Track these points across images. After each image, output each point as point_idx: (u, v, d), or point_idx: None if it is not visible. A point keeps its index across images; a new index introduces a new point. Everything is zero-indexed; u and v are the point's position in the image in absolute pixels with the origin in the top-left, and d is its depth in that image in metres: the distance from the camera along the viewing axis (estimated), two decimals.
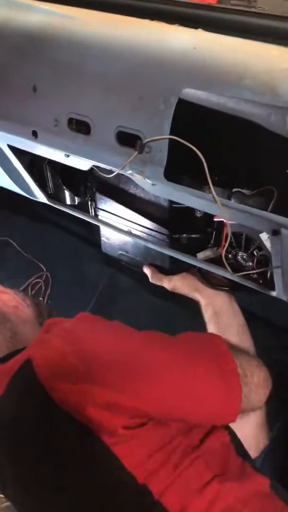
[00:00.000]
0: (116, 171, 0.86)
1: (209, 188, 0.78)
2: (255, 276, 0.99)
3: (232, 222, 0.88)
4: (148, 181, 0.83)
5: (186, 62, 0.75)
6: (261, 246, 0.96)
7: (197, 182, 0.84)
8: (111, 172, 0.89)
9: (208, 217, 1.04)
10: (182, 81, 0.74)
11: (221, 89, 0.70)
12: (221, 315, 1.06)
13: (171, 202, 1.05)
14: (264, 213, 0.78)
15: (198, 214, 1.05)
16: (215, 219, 1.03)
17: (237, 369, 0.83)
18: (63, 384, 0.73)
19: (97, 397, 0.70)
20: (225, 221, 0.98)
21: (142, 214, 1.14)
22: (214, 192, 0.76)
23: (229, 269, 0.95)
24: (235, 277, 0.98)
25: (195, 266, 1.10)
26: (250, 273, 0.98)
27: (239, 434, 0.88)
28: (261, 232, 0.91)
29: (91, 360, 0.74)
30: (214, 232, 1.08)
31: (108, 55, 0.84)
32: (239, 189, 0.89)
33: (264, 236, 0.93)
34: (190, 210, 1.03)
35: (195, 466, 0.73)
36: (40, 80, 0.93)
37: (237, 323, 1.06)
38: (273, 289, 0.93)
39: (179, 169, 0.83)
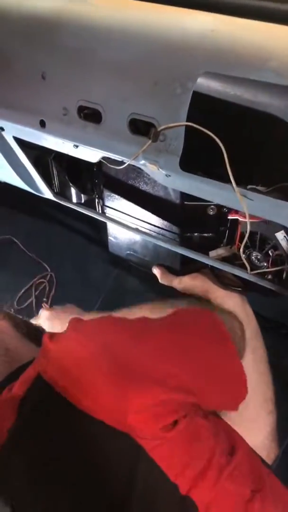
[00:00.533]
0: (128, 161, 0.82)
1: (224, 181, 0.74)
2: (270, 276, 0.96)
3: (249, 220, 0.85)
4: (162, 171, 0.79)
5: (204, 45, 0.71)
6: (276, 246, 0.93)
7: (210, 177, 0.80)
8: (122, 163, 0.85)
9: (221, 215, 1.00)
10: (199, 64, 0.70)
11: (244, 71, 0.66)
12: None
13: (183, 199, 1.01)
14: (286, 203, 0.74)
15: (211, 212, 1.02)
16: (229, 217, 0.99)
17: (233, 343, 0.83)
18: (87, 391, 0.65)
19: (134, 401, 0.64)
20: (240, 219, 0.94)
21: (152, 212, 1.11)
22: (233, 181, 0.72)
23: (247, 265, 0.91)
24: (251, 276, 0.94)
25: (207, 266, 1.06)
26: (267, 271, 0.94)
27: (251, 444, 0.84)
28: (279, 230, 0.87)
29: (114, 358, 0.68)
30: (227, 231, 1.04)
31: (121, 39, 0.80)
32: (254, 186, 0.85)
33: (280, 236, 0.90)
34: (202, 208, 1.00)
35: (234, 479, 0.67)
36: (50, 67, 0.89)
37: (249, 327, 1.02)
38: None
39: (191, 162, 0.78)
